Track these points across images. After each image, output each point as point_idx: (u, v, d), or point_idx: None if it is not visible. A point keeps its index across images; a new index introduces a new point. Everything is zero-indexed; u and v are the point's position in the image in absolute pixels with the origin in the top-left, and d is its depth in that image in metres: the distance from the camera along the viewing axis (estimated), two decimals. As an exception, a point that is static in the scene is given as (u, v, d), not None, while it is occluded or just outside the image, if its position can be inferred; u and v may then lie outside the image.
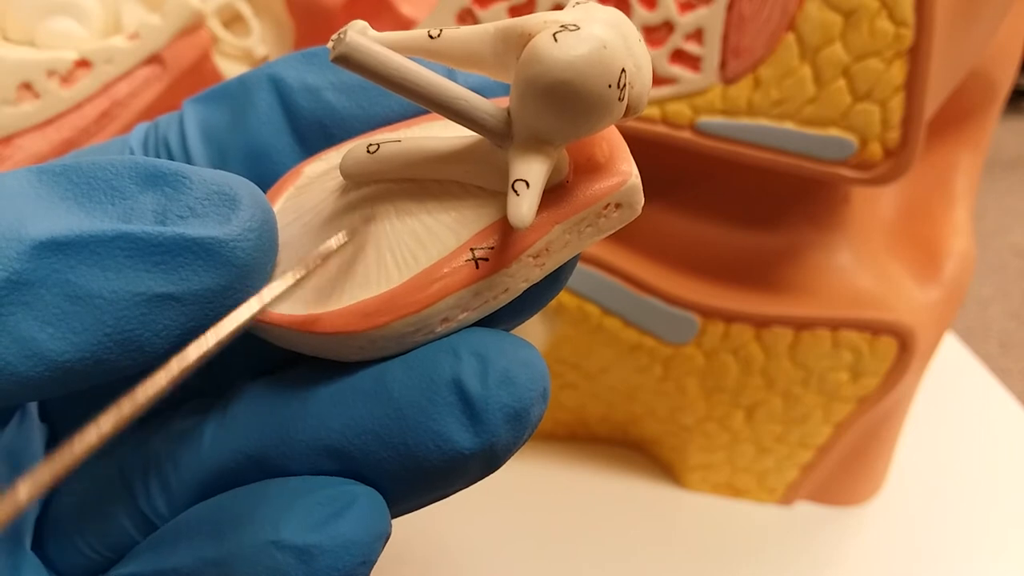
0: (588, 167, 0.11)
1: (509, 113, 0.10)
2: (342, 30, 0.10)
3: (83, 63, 0.23)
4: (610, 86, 0.09)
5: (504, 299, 0.11)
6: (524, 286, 0.11)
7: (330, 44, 0.10)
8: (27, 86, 0.23)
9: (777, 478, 0.29)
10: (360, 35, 0.10)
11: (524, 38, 0.10)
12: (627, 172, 0.11)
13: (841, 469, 0.29)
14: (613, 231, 0.11)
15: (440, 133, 0.12)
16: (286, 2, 0.26)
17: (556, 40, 0.09)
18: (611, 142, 0.11)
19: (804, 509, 0.29)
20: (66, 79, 0.23)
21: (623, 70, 0.10)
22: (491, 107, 0.10)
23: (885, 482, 0.30)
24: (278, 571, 0.10)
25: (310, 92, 0.12)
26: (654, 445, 0.30)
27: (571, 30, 0.09)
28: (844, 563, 0.28)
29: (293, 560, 0.10)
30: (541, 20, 0.10)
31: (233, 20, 0.26)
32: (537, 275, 0.11)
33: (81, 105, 0.23)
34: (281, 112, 0.13)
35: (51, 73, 0.23)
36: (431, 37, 0.11)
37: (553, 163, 0.10)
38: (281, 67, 0.13)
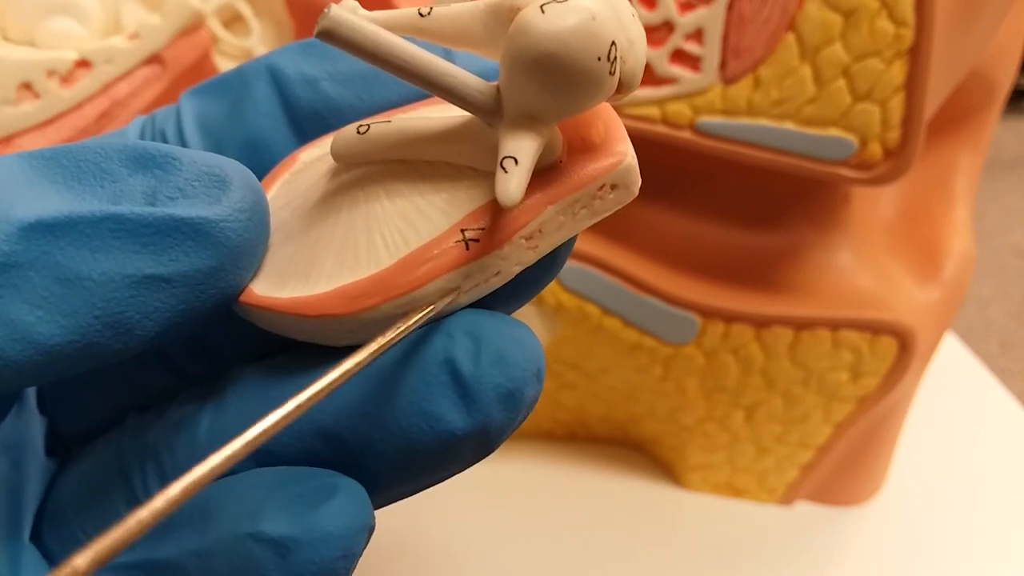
0: (583, 147, 0.11)
1: (499, 90, 0.10)
2: (329, 6, 0.09)
3: (83, 63, 0.23)
4: (600, 59, 0.09)
5: (496, 282, 0.11)
6: (517, 269, 0.11)
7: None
8: (27, 86, 0.23)
9: (777, 478, 0.29)
10: (345, 11, 0.09)
11: (513, 12, 0.10)
12: (623, 152, 0.11)
13: (841, 469, 0.29)
14: (609, 213, 0.11)
15: (434, 116, 0.11)
16: (286, 2, 0.26)
17: (543, 12, 0.09)
18: (607, 122, 0.11)
19: (804, 509, 0.29)
20: (66, 79, 0.23)
21: (613, 43, 0.09)
22: (481, 84, 0.10)
23: (885, 482, 0.30)
24: (255, 564, 0.10)
25: (308, 83, 0.12)
26: (654, 445, 0.30)
27: (559, 1, 0.09)
28: (844, 563, 0.28)
29: (270, 553, 0.10)
30: None
31: (233, 20, 0.26)
32: (530, 258, 0.11)
33: (81, 105, 0.23)
34: (278, 103, 0.12)
35: (51, 73, 0.23)
36: (421, 15, 0.10)
37: (544, 141, 0.10)
38: (279, 58, 0.13)
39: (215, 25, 0.25)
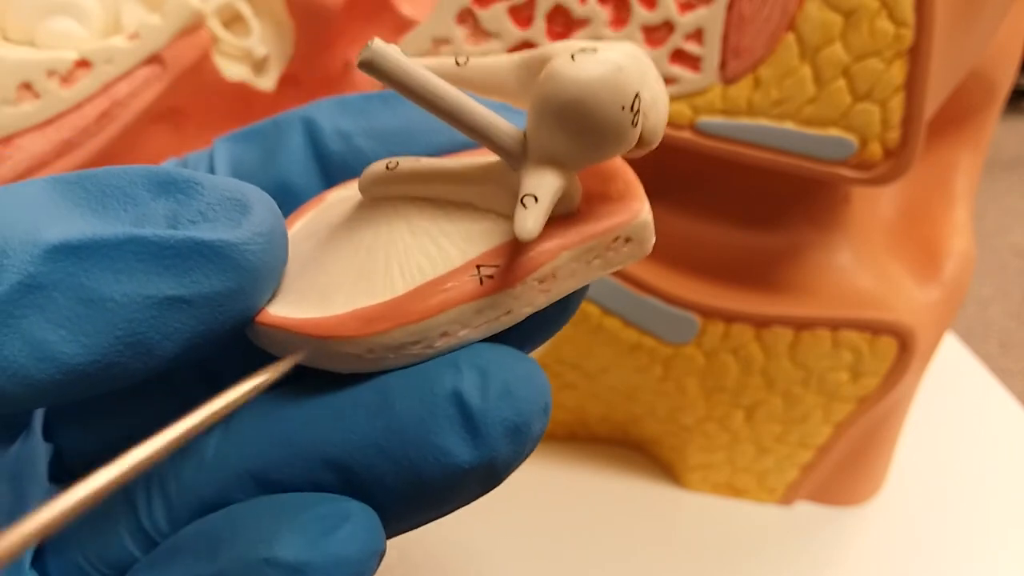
0: (601, 200, 0.11)
1: (525, 136, 0.10)
2: (372, 39, 0.10)
3: (83, 63, 0.23)
4: (623, 108, 0.10)
5: (506, 321, 0.11)
6: (528, 311, 0.11)
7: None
8: (27, 86, 0.23)
9: (777, 478, 0.29)
10: (387, 44, 0.10)
11: (544, 63, 0.10)
12: (638, 209, 0.11)
13: (841, 469, 0.29)
14: (622, 266, 0.11)
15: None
16: (286, 2, 0.26)
17: (574, 60, 0.10)
18: (626, 180, 0.12)
19: (804, 509, 0.29)
20: (66, 79, 0.23)
21: (637, 95, 0.10)
22: (509, 127, 0.10)
23: (885, 482, 0.30)
24: None
25: (342, 136, 0.13)
26: (654, 445, 0.30)
27: (589, 52, 0.10)
28: (844, 563, 0.28)
29: None
30: (562, 45, 0.10)
31: (233, 20, 0.26)
32: (542, 301, 0.11)
33: (81, 105, 0.23)
34: (311, 154, 0.13)
35: (51, 73, 0.23)
36: (458, 64, 0.11)
37: (564, 185, 0.10)
38: (315, 111, 0.13)
39: (215, 25, 0.25)
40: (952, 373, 0.36)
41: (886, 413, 0.27)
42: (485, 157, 0.11)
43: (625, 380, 0.28)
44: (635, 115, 0.10)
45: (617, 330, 0.26)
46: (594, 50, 0.10)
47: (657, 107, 0.10)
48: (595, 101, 0.10)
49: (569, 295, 0.11)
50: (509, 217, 0.11)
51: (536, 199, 0.10)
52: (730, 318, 0.25)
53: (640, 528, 0.28)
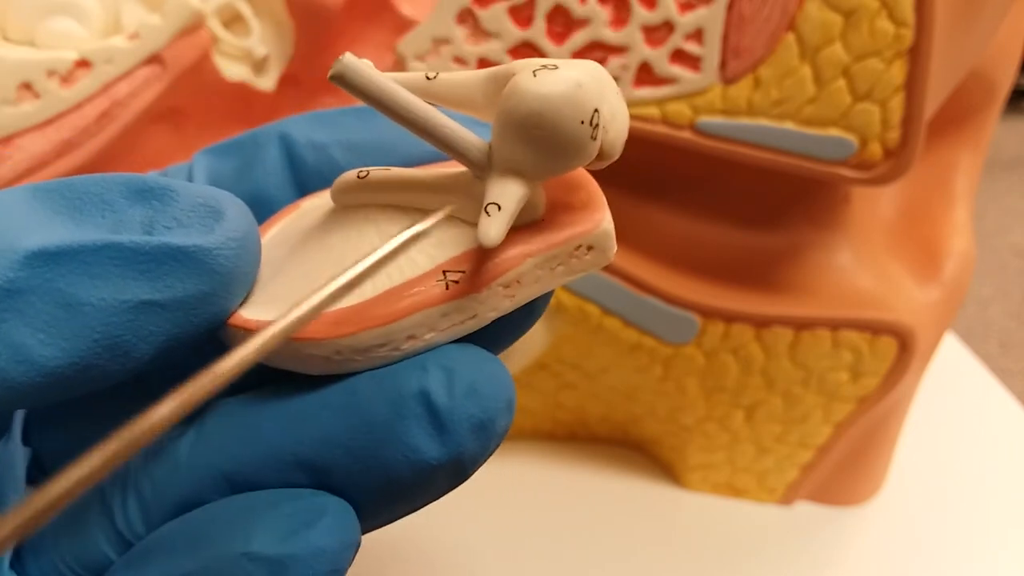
0: (565, 210, 0.12)
1: (491, 147, 0.11)
2: (344, 54, 0.10)
3: (83, 63, 0.23)
4: (583, 123, 0.10)
5: (471, 325, 0.11)
6: (492, 315, 0.11)
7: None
8: (27, 86, 0.23)
9: (777, 478, 0.29)
10: (358, 59, 0.10)
11: (510, 78, 0.10)
12: (600, 218, 0.12)
13: (841, 469, 0.29)
14: (585, 273, 0.12)
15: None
16: (286, 2, 0.26)
17: (535, 76, 0.10)
18: (589, 191, 0.12)
19: (804, 509, 0.30)
20: (66, 79, 0.23)
21: (596, 110, 0.10)
22: (475, 139, 0.11)
23: (885, 482, 0.30)
24: None
25: (317, 149, 0.13)
26: (654, 445, 0.30)
27: (550, 69, 0.10)
28: (844, 563, 0.28)
29: (265, 571, 0.10)
30: (526, 62, 0.11)
31: (233, 20, 0.26)
32: (507, 306, 0.11)
33: (81, 105, 0.23)
34: (287, 165, 0.13)
35: (51, 73, 0.23)
36: (428, 79, 0.11)
37: (528, 194, 0.11)
38: (291, 125, 0.13)
39: (215, 25, 0.25)
40: (952, 373, 0.36)
41: (886, 413, 0.27)
42: (453, 168, 0.12)
43: (625, 380, 0.28)
44: (594, 129, 0.10)
45: (617, 330, 0.26)
46: (555, 67, 0.10)
47: (616, 121, 0.11)
48: (555, 115, 0.10)
49: (534, 300, 0.12)
50: (475, 225, 0.11)
51: (500, 207, 0.10)
52: (730, 318, 0.25)
53: (640, 528, 0.28)
